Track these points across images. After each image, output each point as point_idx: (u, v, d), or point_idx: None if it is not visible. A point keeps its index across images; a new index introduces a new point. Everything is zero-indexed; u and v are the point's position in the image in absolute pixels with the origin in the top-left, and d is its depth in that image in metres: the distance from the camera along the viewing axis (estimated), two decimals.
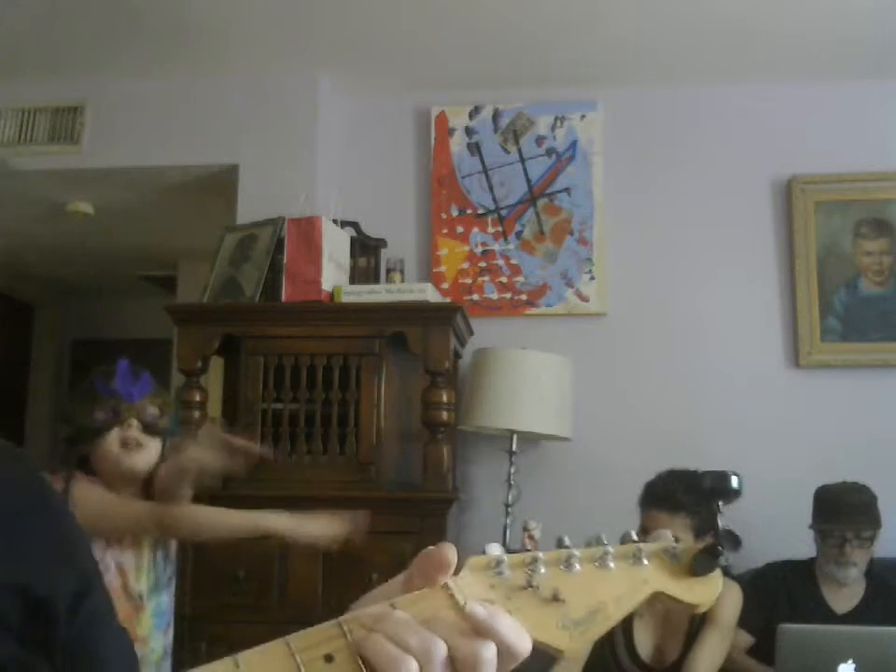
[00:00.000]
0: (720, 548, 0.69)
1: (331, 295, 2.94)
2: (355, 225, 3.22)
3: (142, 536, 1.92)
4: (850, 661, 1.89)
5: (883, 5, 2.90)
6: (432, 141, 3.49)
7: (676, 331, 3.30)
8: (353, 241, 3.17)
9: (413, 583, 0.63)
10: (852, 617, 2.54)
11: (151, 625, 1.93)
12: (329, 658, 0.57)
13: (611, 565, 0.67)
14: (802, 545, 2.70)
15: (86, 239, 4.64)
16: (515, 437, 3.06)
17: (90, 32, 3.14)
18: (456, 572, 0.63)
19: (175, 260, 5.14)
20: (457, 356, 3.19)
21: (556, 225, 3.39)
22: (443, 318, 2.89)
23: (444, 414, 2.84)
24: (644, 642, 2.29)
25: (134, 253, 5.01)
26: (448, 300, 3.19)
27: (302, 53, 3.28)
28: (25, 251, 4.98)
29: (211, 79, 3.43)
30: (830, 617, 2.55)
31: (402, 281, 3.17)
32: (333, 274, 2.98)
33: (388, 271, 3.22)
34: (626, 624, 2.27)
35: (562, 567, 0.66)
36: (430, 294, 2.94)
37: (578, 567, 0.66)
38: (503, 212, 3.42)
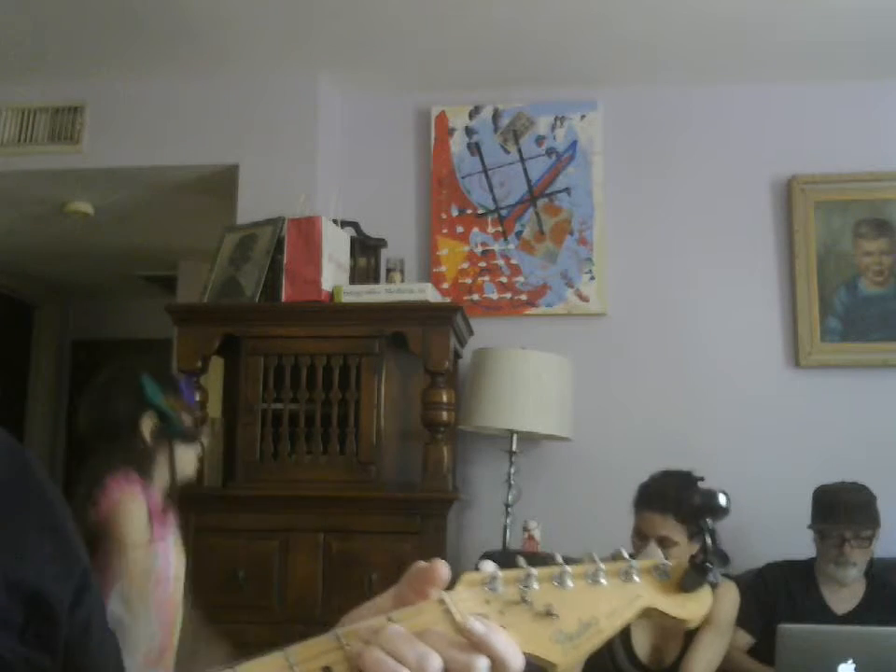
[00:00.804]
0: (709, 564, 0.70)
1: (331, 295, 2.94)
2: (355, 225, 3.22)
3: None
4: (850, 661, 1.88)
5: (882, 5, 2.90)
6: (432, 141, 3.49)
7: (676, 331, 3.30)
8: (353, 241, 3.17)
9: (404, 597, 0.64)
10: (852, 617, 2.54)
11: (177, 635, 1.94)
12: (326, 670, 0.59)
13: (603, 581, 0.68)
14: (802, 545, 2.70)
15: (86, 239, 4.64)
16: (515, 437, 3.06)
17: (90, 32, 3.14)
18: (451, 587, 0.64)
19: (175, 260, 5.14)
20: (457, 356, 3.20)
21: (556, 225, 3.39)
22: (443, 318, 2.89)
23: (444, 414, 2.84)
24: (642, 644, 2.29)
25: (134, 253, 5.01)
26: (448, 300, 3.20)
27: (302, 53, 3.28)
28: (25, 251, 4.99)
29: (211, 79, 3.44)
30: (830, 617, 2.55)
31: (402, 281, 3.17)
32: (333, 274, 2.98)
33: (388, 271, 3.22)
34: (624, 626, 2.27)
35: (555, 582, 0.67)
36: (430, 294, 2.94)
37: (570, 583, 0.67)
38: (503, 212, 3.42)
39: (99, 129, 3.48)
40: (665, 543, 2.18)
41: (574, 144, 3.42)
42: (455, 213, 3.44)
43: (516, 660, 0.61)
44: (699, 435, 3.16)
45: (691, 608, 0.70)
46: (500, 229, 3.41)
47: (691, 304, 3.32)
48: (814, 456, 3.06)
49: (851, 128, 3.32)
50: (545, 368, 3.02)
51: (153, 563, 1.78)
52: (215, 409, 3.25)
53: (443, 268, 3.40)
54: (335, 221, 3.05)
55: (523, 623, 0.64)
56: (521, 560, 0.68)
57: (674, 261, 3.35)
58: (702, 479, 2.32)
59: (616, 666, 2.28)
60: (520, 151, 3.44)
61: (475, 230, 3.42)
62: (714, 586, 0.71)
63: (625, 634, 2.30)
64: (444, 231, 3.43)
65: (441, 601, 0.63)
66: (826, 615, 2.55)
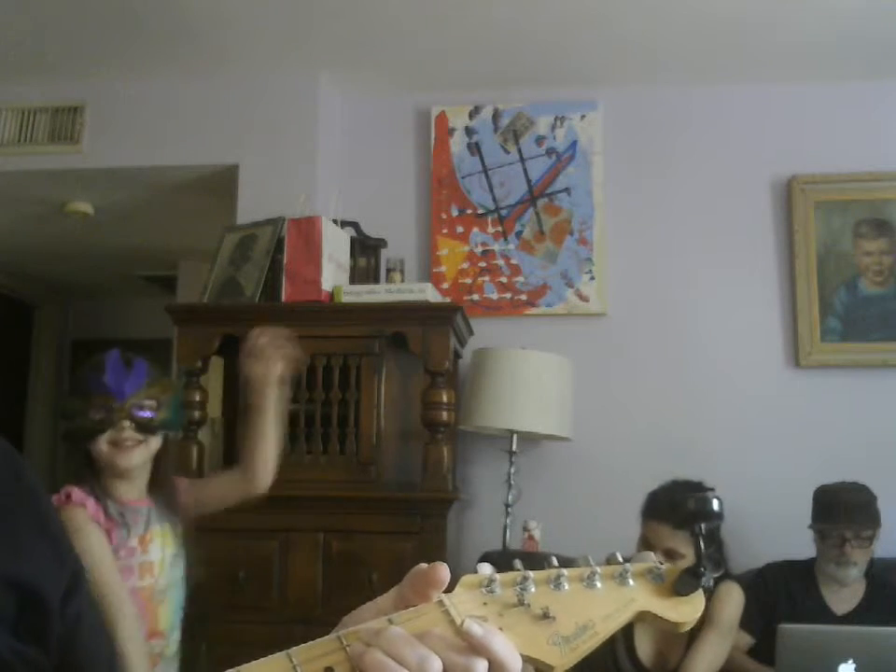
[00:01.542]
0: (702, 569, 0.71)
1: (331, 295, 2.94)
2: (355, 225, 3.22)
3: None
4: (850, 661, 1.89)
5: (882, 5, 2.90)
6: (432, 141, 3.49)
7: (676, 331, 3.30)
8: (353, 241, 3.17)
9: (406, 599, 0.65)
10: (852, 617, 2.54)
11: (174, 620, 1.93)
12: (329, 671, 0.60)
13: (599, 584, 0.70)
14: (802, 545, 2.70)
15: (86, 239, 4.64)
16: (515, 437, 3.06)
17: (90, 32, 3.14)
18: (450, 589, 0.65)
19: (175, 260, 5.14)
20: (457, 356, 3.20)
21: (556, 225, 3.39)
22: (443, 318, 2.89)
23: (444, 414, 2.84)
24: (645, 647, 2.28)
25: (134, 253, 5.01)
26: (448, 300, 3.20)
27: (302, 53, 3.28)
28: (25, 251, 4.99)
29: (211, 79, 3.44)
30: (830, 617, 2.55)
31: (402, 281, 3.17)
32: (333, 274, 2.98)
33: (388, 271, 3.22)
34: (627, 629, 2.27)
35: (551, 585, 0.69)
36: (430, 294, 2.94)
37: (567, 586, 0.69)
38: (503, 212, 3.42)
39: (99, 129, 3.49)
40: (671, 555, 2.17)
41: (574, 144, 3.42)
42: (454, 213, 3.44)
43: (514, 662, 0.62)
44: (699, 435, 3.16)
45: (684, 611, 0.71)
46: (500, 229, 3.41)
47: (691, 304, 3.31)
48: (814, 456, 3.06)
49: (851, 128, 3.32)
50: (545, 368, 3.02)
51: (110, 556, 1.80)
52: (215, 409, 3.25)
53: (443, 268, 3.40)
54: (335, 221, 3.05)
55: (521, 626, 0.66)
56: (517, 563, 0.69)
57: (674, 261, 3.35)
58: (712, 489, 2.31)
59: (618, 668, 2.28)
60: (520, 151, 3.45)
61: (475, 230, 3.42)
62: (707, 590, 0.72)
63: (628, 638, 2.29)
64: (444, 231, 3.43)
65: (441, 603, 0.64)
66: (826, 615, 2.55)
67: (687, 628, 0.72)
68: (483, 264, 3.39)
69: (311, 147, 3.38)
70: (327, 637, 0.62)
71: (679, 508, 0.83)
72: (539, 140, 3.44)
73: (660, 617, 0.71)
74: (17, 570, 0.68)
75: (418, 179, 3.52)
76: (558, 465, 3.25)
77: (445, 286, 3.36)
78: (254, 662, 0.60)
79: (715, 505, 0.78)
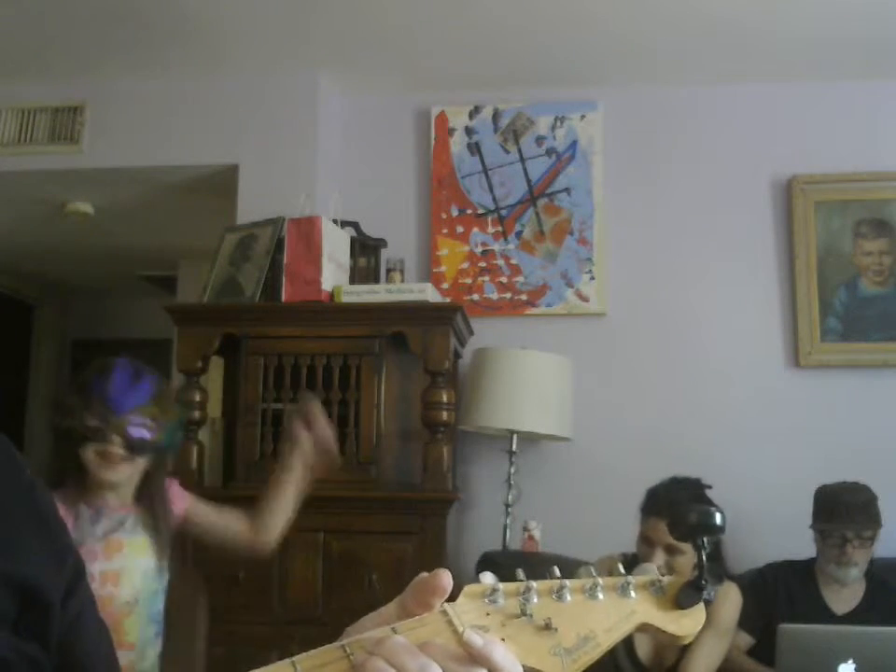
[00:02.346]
0: (704, 582, 0.72)
1: (331, 295, 2.94)
2: (355, 225, 3.22)
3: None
4: (850, 661, 1.89)
5: (883, 5, 2.90)
6: (432, 141, 3.49)
7: (676, 331, 3.30)
8: (353, 241, 3.17)
9: (408, 608, 0.66)
10: (852, 617, 2.54)
11: (147, 633, 1.86)
12: None
13: (600, 596, 0.71)
14: (802, 545, 2.70)
15: (86, 239, 4.64)
16: (515, 437, 3.07)
17: (90, 32, 3.14)
18: (453, 598, 0.66)
19: (175, 260, 5.14)
20: (457, 356, 3.20)
21: (556, 225, 3.39)
22: (443, 318, 2.89)
23: (444, 414, 2.84)
24: (644, 646, 2.28)
25: (134, 253, 5.01)
26: (448, 300, 3.20)
27: (302, 53, 3.28)
28: (25, 251, 4.99)
29: (211, 79, 3.44)
30: (830, 617, 2.55)
31: (402, 281, 3.17)
32: (333, 274, 2.98)
33: (388, 271, 3.22)
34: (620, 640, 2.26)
35: (554, 596, 0.69)
36: (430, 294, 2.94)
37: (569, 597, 0.70)
38: (503, 212, 3.42)
39: (99, 129, 3.49)
40: (672, 551, 2.17)
41: (574, 144, 3.42)
42: (455, 213, 3.44)
43: None
44: (699, 435, 3.16)
45: (685, 624, 0.72)
46: (500, 229, 3.41)
47: (691, 304, 3.31)
48: (814, 456, 3.06)
49: (851, 128, 3.32)
50: (545, 368, 3.02)
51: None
52: (215, 409, 3.25)
53: (443, 268, 3.40)
54: (335, 221, 3.05)
55: (524, 636, 0.67)
56: (520, 573, 0.70)
57: (674, 261, 3.35)
58: (710, 487, 2.31)
59: (617, 667, 2.28)
60: (520, 151, 3.45)
61: (475, 230, 3.42)
62: (709, 604, 0.72)
63: (628, 638, 2.29)
64: (444, 231, 3.43)
65: (445, 613, 0.65)
66: (826, 615, 2.55)
67: (687, 641, 0.73)
68: (483, 264, 3.40)
69: (311, 147, 3.37)
70: (331, 645, 0.62)
71: (680, 520, 0.83)
72: (539, 140, 3.44)
73: (661, 630, 0.72)
74: (17, 569, 0.69)
75: (418, 179, 3.52)
76: (558, 465, 3.25)
77: (445, 286, 3.36)
78: (258, 669, 0.61)
79: (717, 518, 0.79)
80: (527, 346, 3.07)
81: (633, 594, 0.71)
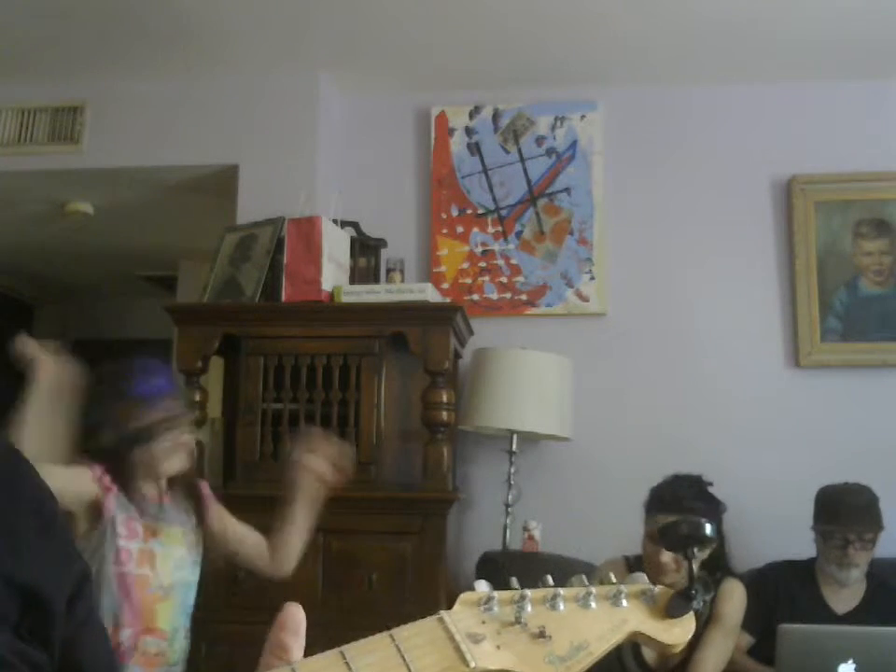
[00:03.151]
0: (693, 592, 0.73)
1: (331, 295, 2.94)
2: (355, 225, 3.22)
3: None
4: (850, 661, 1.89)
5: (883, 5, 2.90)
6: (432, 141, 3.49)
7: (675, 331, 3.30)
8: (353, 241, 3.17)
9: (271, 648, 0.65)
10: (852, 617, 2.54)
11: (177, 623, 1.90)
12: None
13: (593, 605, 0.72)
14: (802, 545, 2.69)
15: (86, 239, 4.64)
16: (515, 437, 3.07)
17: (90, 32, 3.14)
18: (450, 607, 0.67)
19: (175, 260, 5.14)
20: (457, 356, 3.19)
21: (556, 225, 3.39)
22: (443, 318, 2.89)
23: (444, 414, 2.84)
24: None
25: (134, 253, 5.01)
26: (448, 300, 3.20)
27: (302, 53, 3.28)
28: (25, 251, 4.99)
29: (211, 79, 3.44)
30: (830, 617, 2.54)
31: (402, 281, 3.17)
32: (333, 274, 2.98)
33: (388, 271, 3.22)
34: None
35: (548, 605, 0.71)
36: (430, 294, 2.94)
37: (562, 605, 0.71)
38: (503, 212, 3.42)
39: (99, 129, 3.49)
40: None
41: (574, 144, 3.42)
42: (455, 213, 3.44)
43: None
44: (699, 435, 3.16)
45: (675, 633, 0.73)
46: (500, 229, 3.41)
47: (690, 304, 3.31)
48: (814, 456, 3.06)
49: (851, 128, 3.32)
50: (545, 368, 3.02)
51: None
52: (215, 409, 3.25)
53: (443, 268, 3.40)
54: (335, 221, 3.05)
55: (518, 644, 0.67)
56: (514, 581, 0.71)
57: (674, 261, 3.35)
58: (711, 483, 2.31)
59: (623, 668, 2.28)
60: (520, 151, 3.45)
61: (475, 230, 3.42)
62: (699, 613, 0.74)
63: None
64: (444, 231, 3.43)
65: (441, 620, 0.66)
66: (826, 615, 2.55)
67: (678, 650, 0.74)
68: (483, 264, 3.39)
69: (311, 147, 3.38)
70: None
71: (671, 532, 0.84)
72: (539, 140, 3.44)
73: (651, 638, 0.73)
74: (20, 572, 0.68)
75: (418, 179, 3.52)
76: (558, 465, 3.25)
77: (445, 286, 3.36)
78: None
79: (707, 530, 0.80)
80: (527, 346, 3.07)
81: (625, 602, 0.73)
